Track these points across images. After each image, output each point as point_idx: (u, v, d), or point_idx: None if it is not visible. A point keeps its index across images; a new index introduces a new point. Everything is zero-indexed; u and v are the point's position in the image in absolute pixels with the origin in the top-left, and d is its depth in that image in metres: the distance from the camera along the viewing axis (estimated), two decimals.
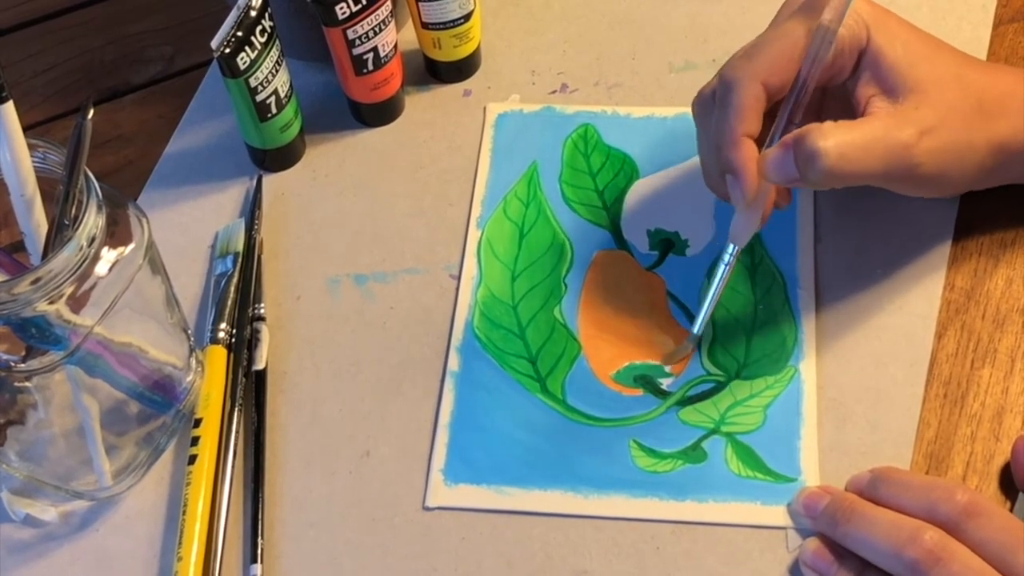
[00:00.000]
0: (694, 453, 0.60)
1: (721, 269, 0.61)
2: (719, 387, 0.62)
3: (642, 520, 0.59)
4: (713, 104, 0.60)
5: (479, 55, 0.76)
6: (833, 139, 0.56)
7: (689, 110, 0.63)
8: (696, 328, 0.62)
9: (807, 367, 0.62)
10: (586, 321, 0.65)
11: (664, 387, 0.63)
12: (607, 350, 0.64)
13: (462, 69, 0.76)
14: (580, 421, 0.62)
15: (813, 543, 0.56)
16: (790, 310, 0.64)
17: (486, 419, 0.62)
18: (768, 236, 0.66)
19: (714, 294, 0.61)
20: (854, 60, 0.60)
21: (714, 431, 0.61)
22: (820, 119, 0.58)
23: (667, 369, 0.63)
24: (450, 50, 0.74)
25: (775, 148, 0.58)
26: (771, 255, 0.66)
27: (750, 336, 0.64)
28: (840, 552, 0.55)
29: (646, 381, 0.63)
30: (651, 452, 0.61)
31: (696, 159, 0.64)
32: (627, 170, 0.70)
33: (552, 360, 0.64)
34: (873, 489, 0.57)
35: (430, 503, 0.60)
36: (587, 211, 0.69)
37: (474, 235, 0.69)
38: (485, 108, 0.74)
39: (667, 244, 0.67)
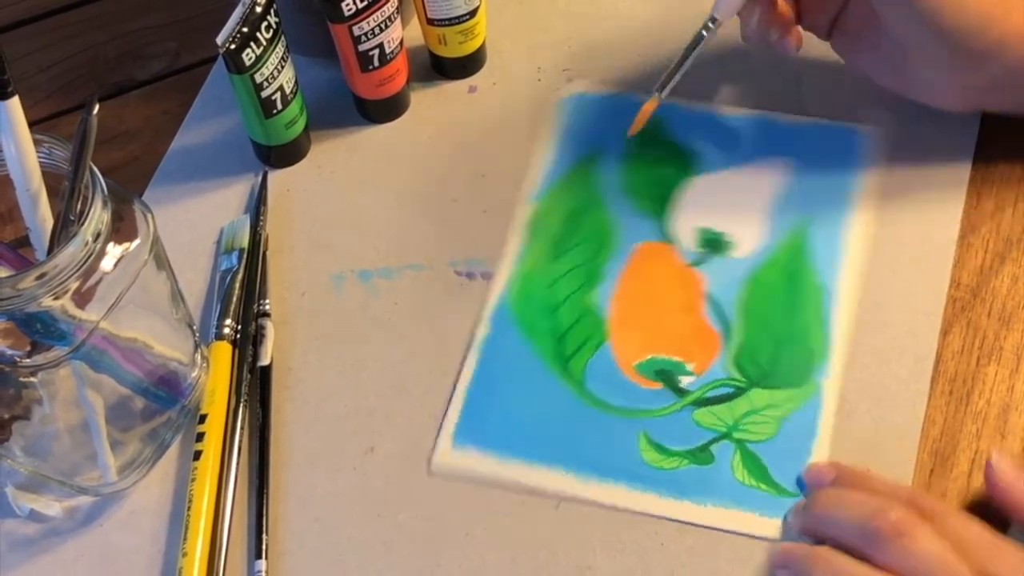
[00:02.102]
0: (701, 455, 0.60)
1: (697, 37, 0.65)
2: (738, 392, 0.62)
3: (638, 514, 0.59)
4: None
5: (484, 51, 0.76)
6: None
7: (758, 112, 0.64)
8: (658, 88, 0.65)
9: (831, 385, 0.61)
10: (618, 309, 0.65)
11: (683, 385, 0.62)
12: (634, 340, 0.64)
13: (467, 66, 0.76)
14: (594, 407, 0.62)
15: (784, 545, 0.57)
16: (823, 325, 0.63)
17: (504, 388, 0.63)
18: (815, 246, 0.66)
19: (683, 59, 0.65)
20: None
21: (725, 436, 0.61)
22: None
23: (689, 367, 0.63)
24: (455, 46, 0.74)
25: None
26: (814, 266, 0.65)
27: (779, 346, 0.63)
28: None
29: (666, 376, 0.63)
30: (659, 448, 0.61)
31: (758, 163, 0.66)
32: (687, 165, 0.70)
33: (578, 342, 0.64)
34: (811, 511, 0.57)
35: (436, 464, 0.61)
36: (639, 200, 0.69)
37: (524, 209, 0.69)
38: (559, 90, 0.74)
39: (713, 243, 0.67)
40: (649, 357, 0.63)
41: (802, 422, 0.61)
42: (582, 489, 0.60)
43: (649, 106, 0.67)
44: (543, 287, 0.66)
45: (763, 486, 0.59)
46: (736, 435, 0.61)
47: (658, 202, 0.69)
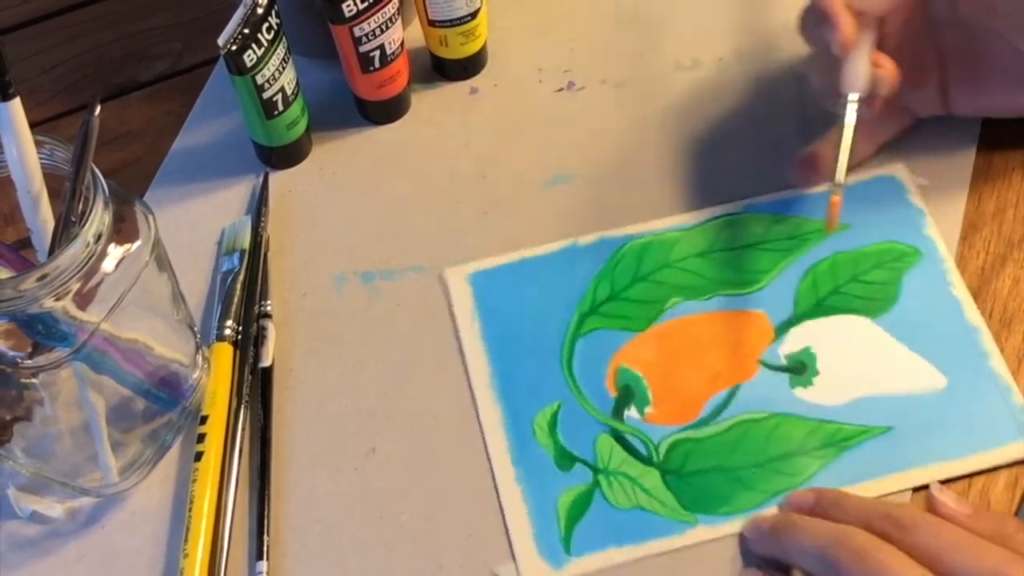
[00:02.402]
0: (564, 460, 0.61)
1: (845, 117, 0.61)
2: (644, 460, 0.60)
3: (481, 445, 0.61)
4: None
5: (485, 53, 0.76)
6: None
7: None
8: (836, 176, 0.61)
9: (700, 533, 0.58)
10: (676, 327, 0.64)
11: (625, 413, 0.62)
12: (649, 354, 0.63)
13: (468, 67, 0.76)
14: (561, 360, 0.64)
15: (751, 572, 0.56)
16: (766, 501, 0.59)
17: (533, 284, 0.67)
18: (858, 456, 0.60)
19: (845, 141, 0.61)
20: None
21: (596, 469, 0.60)
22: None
23: (647, 409, 0.62)
24: (457, 48, 0.74)
25: None
26: (834, 462, 0.60)
27: (717, 473, 0.60)
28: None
29: (625, 394, 0.62)
30: (550, 424, 0.62)
31: (929, 360, 0.62)
32: (884, 304, 0.64)
33: (616, 313, 0.65)
34: (814, 509, 0.57)
35: (446, 275, 0.67)
36: (814, 286, 0.65)
37: (736, 206, 0.68)
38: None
39: (798, 368, 0.63)
40: (637, 372, 0.63)
41: (651, 526, 0.58)
42: (480, 392, 0.63)
43: (836, 200, 0.61)
44: (660, 259, 0.67)
45: (562, 528, 0.59)
46: (600, 478, 0.60)
47: (819, 307, 0.64)
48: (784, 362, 0.63)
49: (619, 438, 0.61)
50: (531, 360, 0.64)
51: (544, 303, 0.66)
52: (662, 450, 0.61)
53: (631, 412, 0.62)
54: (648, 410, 0.62)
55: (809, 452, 0.60)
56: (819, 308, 0.64)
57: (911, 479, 0.58)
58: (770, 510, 0.58)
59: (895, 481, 0.58)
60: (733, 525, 0.58)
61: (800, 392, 0.62)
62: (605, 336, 0.64)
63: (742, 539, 0.57)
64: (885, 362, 0.62)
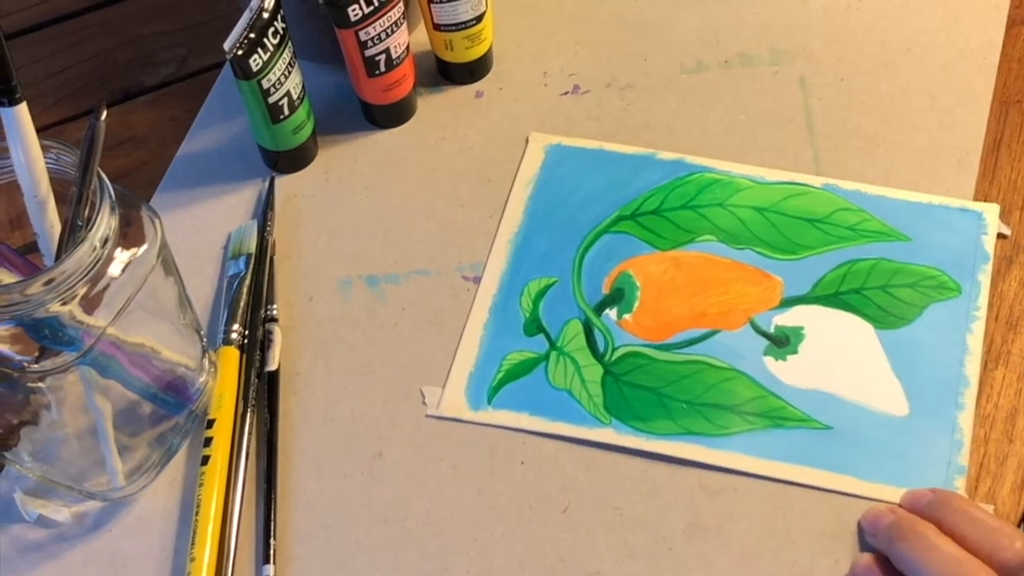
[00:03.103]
0: (531, 326, 0.65)
1: None
2: (595, 353, 0.64)
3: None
4: None
5: (491, 57, 0.76)
6: None
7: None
8: None
9: (599, 434, 0.61)
10: (697, 259, 0.66)
11: (605, 312, 0.65)
12: (658, 271, 0.66)
13: (474, 71, 0.76)
14: (579, 248, 0.67)
15: (866, 557, 0.56)
16: (679, 431, 0.62)
17: (597, 171, 0.70)
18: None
19: None
20: None
21: (553, 345, 0.64)
22: None
23: (626, 315, 0.65)
24: (462, 52, 0.74)
25: None
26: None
27: (651, 391, 0.62)
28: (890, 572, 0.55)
29: (615, 295, 0.65)
30: (539, 294, 0.66)
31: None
32: (889, 321, 0.64)
33: (653, 226, 0.68)
34: (933, 510, 0.55)
35: (531, 137, 0.72)
36: (834, 278, 0.65)
37: (812, 180, 0.69)
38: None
39: (782, 340, 0.63)
40: (637, 281, 0.66)
41: (569, 411, 0.62)
42: (498, 243, 0.68)
43: None
44: (718, 197, 0.68)
45: (497, 379, 0.63)
46: (553, 353, 0.64)
47: (834, 298, 0.64)
48: (772, 330, 0.64)
49: (588, 328, 0.65)
50: (556, 234, 0.68)
51: (597, 193, 0.70)
52: (618, 353, 0.64)
53: (611, 312, 0.65)
54: (626, 316, 0.65)
55: (743, 413, 0.61)
56: (834, 299, 0.64)
57: (816, 478, 0.59)
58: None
59: (799, 472, 0.59)
60: (637, 440, 0.61)
61: (769, 362, 0.63)
62: (629, 241, 0.68)
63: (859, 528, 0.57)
64: (862, 371, 0.62)
